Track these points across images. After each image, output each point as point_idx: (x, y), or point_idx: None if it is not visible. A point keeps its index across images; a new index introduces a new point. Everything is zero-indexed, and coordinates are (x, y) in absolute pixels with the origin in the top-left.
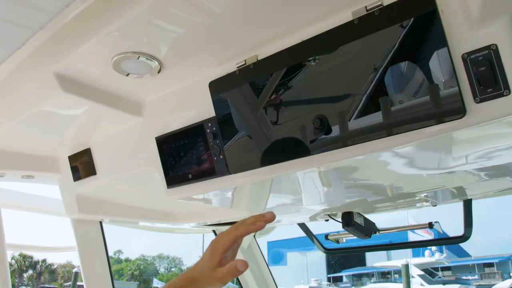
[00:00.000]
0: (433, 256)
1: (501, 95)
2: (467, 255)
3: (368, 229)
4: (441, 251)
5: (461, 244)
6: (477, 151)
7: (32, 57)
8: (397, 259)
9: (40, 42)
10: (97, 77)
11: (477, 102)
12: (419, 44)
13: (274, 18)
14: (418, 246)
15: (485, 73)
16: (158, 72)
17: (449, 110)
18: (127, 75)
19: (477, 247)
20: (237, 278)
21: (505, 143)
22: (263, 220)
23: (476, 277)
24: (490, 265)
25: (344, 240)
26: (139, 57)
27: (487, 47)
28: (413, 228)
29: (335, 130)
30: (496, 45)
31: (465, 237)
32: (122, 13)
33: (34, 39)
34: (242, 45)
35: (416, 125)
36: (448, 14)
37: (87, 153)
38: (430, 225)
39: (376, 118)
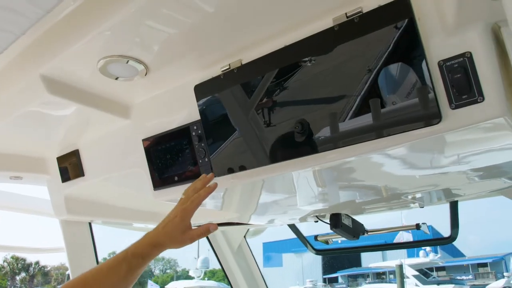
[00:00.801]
0: (427, 257)
1: (475, 102)
2: (462, 255)
3: (356, 230)
4: (436, 251)
5: (456, 244)
6: (461, 153)
7: (17, 60)
8: (392, 260)
9: (25, 45)
10: (83, 79)
11: (453, 108)
12: (397, 51)
13: (257, 23)
14: (406, 247)
15: (460, 80)
16: (145, 75)
17: (425, 116)
18: (115, 78)
19: (471, 247)
20: (228, 279)
21: (487, 146)
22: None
23: (470, 277)
24: (484, 265)
25: (332, 241)
26: (126, 60)
27: (462, 55)
28: (400, 229)
29: (320, 133)
30: (470, 53)
31: (452, 238)
32: (107, 17)
33: (17, 44)
34: (226, 50)
35: (392, 131)
36: (425, 22)
37: (75, 154)
38: (417, 227)
39: (357, 122)
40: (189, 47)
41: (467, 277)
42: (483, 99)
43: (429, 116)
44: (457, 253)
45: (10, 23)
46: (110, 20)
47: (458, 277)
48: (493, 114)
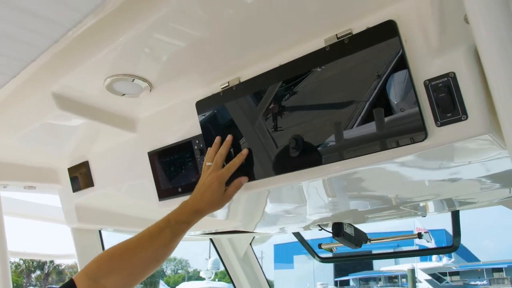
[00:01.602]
0: (440, 261)
1: (460, 120)
2: (476, 259)
3: (359, 239)
4: (449, 256)
5: (470, 249)
6: (457, 165)
7: (30, 79)
8: (404, 263)
9: (37, 66)
10: (92, 96)
11: (438, 126)
12: (385, 71)
13: (254, 43)
14: (408, 255)
15: (444, 99)
16: (149, 92)
17: (412, 133)
18: (121, 95)
19: (486, 252)
20: (234, 286)
21: (479, 157)
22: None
23: (484, 282)
24: (499, 270)
25: (336, 249)
26: (131, 79)
27: (446, 75)
28: (403, 238)
29: (313, 148)
30: (454, 73)
31: (454, 247)
32: (114, 39)
33: (28, 67)
34: (226, 68)
35: (380, 148)
36: (411, 43)
37: (85, 165)
38: (419, 236)
39: (355, 133)
40: (191, 65)
41: (482, 283)
42: (467, 117)
43: (415, 133)
44: (471, 258)
45: (21, 52)
46: (117, 41)
47: (472, 282)
48: (476, 132)
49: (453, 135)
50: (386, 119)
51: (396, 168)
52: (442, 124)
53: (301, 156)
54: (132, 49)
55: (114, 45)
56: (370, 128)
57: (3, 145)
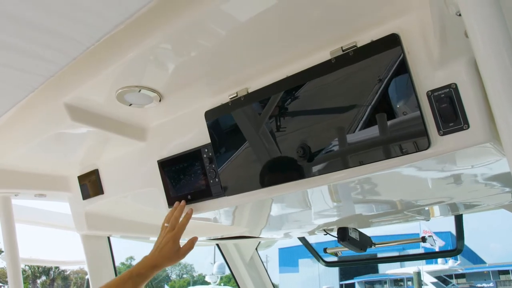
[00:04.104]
0: (446, 263)
1: (461, 129)
2: (482, 262)
3: (363, 243)
4: (455, 258)
5: (476, 251)
6: (463, 169)
7: (43, 91)
8: (410, 266)
9: (51, 80)
10: (103, 107)
11: (441, 135)
12: (389, 82)
13: (262, 55)
14: (412, 259)
15: (447, 109)
16: (159, 102)
17: (416, 142)
18: (130, 105)
19: (492, 255)
20: None
21: (480, 162)
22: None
23: (491, 284)
24: (506, 272)
25: (341, 253)
26: (140, 90)
27: (448, 86)
28: (406, 242)
29: (319, 157)
30: (455, 84)
31: (458, 250)
32: (125, 53)
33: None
34: (234, 79)
35: (385, 156)
36: (414, 55)
37: (95, 173)
38: (423, 240)
39: (354, 146)
40: (200, 76)
41: (488, 285)
42: (468, 126)
43: (419, 142)
44: (477, 260)
45: (41, 68)
46: (128, 55)
47: (479, 285)
48: (478, 140)
49: (456, 144)
50: (390, 128)
51: (400, 174)
52: (444, 133)
53: (308, 164)
54: (143, 62)
55: (126, 58)
56: (375, 136)
57: (15, 155)
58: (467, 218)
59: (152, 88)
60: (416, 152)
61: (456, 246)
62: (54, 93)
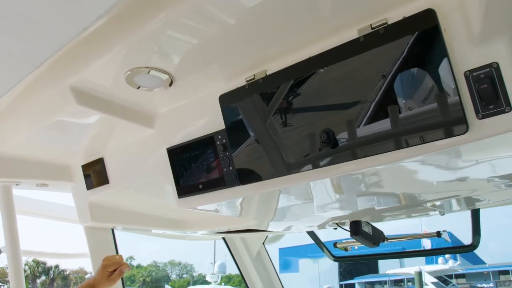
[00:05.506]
0: (446, 264)
1: (503, 112)
2: (482, 262)
3: (376, 237)
4: (455, 258)
5: (476, 252)
6: (487, 159)
7: (49, 72)
8: (410, 266)
9: (56, 57)
10: (110, 90)
11: (480, 118)
12: (422, 62)
13: (282, 35)
14: (427, 254)
15: (486, 90)
16: (170, 85)
17: (452, 126)
18: (139, 88)
19: (492, 255)
20: (247, 285)
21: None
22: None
23: (491, 285)
24: (506, 272)
25: (351, 249)
26: (149, 71)
27: (489, 65)
28: (421, 237)
29: (344, 143)
30: (497, 63)
31: (473, 246)
32: (134, 31)
33: (46, 62)
34: (251, 60)
35: (420, 140)
36: (451, 32)
37: (100, 162)
38: (438, 234)
39: (382, 131)
40: (214, 57)
41: (488, 285)
42: (511, 109)
43: (455, 126)
44: (477, 260)
45: (48, 39)
46: (136, 34)
47: (479, 285)
48: None
49: (496, 128)
50: (425, 111)
51: (432, 162)
52: (484, 117)
53: (331, 151)
54: (152, 41)
55: (134, 37)
56: (408, 121)
57: (17, 141)
58: (466, 218)
59: (163, 69)
60: (453, 137)
61: (472, 242)
62: (60, 74)
